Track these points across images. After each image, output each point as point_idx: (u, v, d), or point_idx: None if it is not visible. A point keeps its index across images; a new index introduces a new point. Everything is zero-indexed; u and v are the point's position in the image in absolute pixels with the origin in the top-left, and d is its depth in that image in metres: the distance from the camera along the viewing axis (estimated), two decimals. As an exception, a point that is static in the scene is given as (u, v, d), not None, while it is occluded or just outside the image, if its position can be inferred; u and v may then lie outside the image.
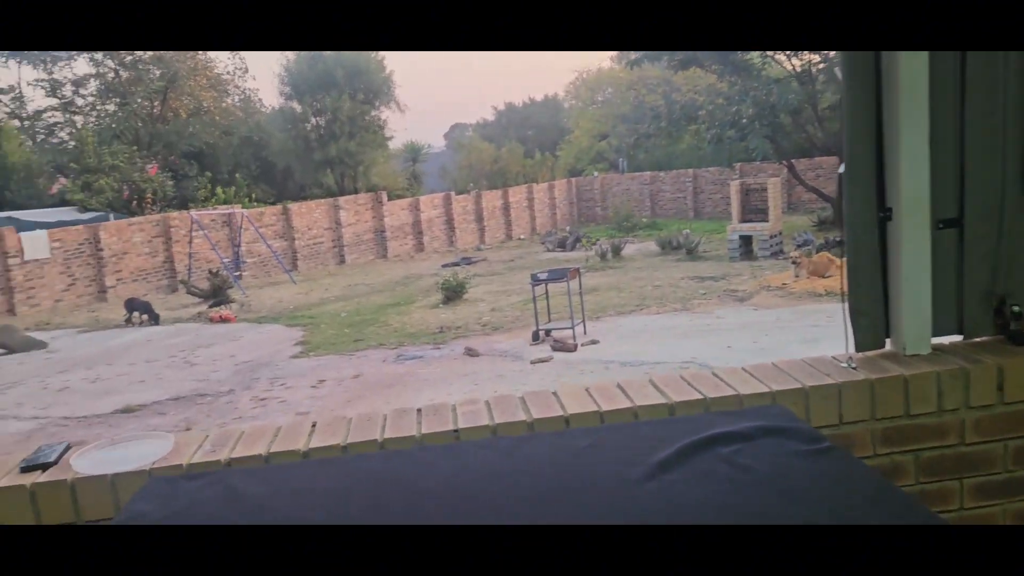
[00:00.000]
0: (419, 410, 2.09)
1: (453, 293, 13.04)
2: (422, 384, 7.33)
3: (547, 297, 9.67)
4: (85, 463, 1.86)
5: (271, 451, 1.89)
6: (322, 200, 24.16)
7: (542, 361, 7.90)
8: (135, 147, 22.64)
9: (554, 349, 8.39)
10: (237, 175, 25.42)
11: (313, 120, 26.72)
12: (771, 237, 15.22)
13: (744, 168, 24.80)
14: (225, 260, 18.38)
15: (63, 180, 22.34)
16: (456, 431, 1.93)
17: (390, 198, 25.39)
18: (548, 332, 9.05)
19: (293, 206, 22.84)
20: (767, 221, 15.40)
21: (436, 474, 1.55)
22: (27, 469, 1.88)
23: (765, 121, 16.15)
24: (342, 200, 23.97)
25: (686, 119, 18.54)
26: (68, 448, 1.99)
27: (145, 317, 13.51)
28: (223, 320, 13.10)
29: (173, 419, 6.85)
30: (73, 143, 22.98)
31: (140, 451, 1.93)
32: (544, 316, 9.47)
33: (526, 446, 1.67)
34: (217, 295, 15.46)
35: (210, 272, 16.43)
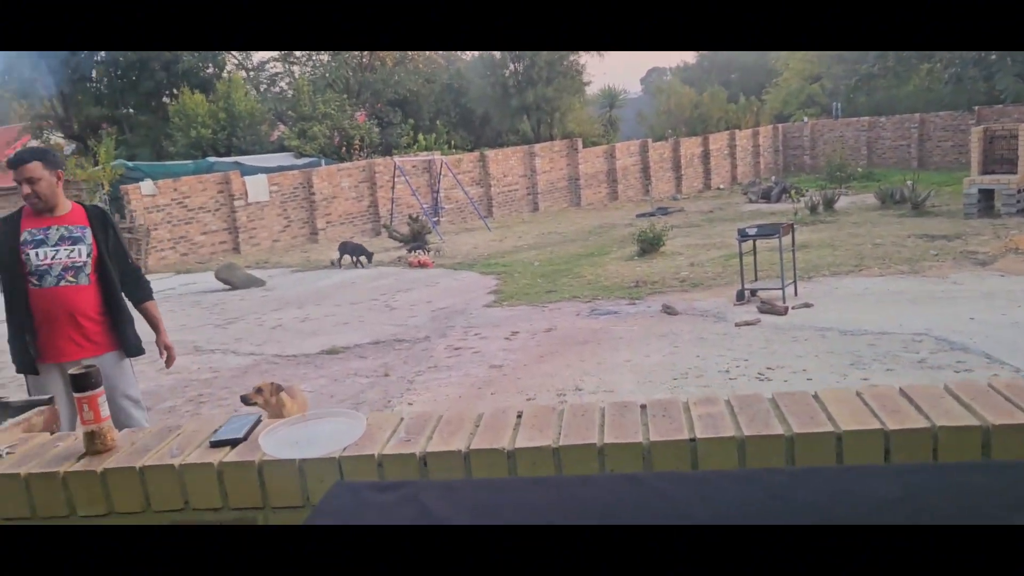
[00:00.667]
0: (643, 406, 1.74)
1: (649, 245, 12.52)
2: (617, 343, 6.99)
3: (754, 253, 8.95)
4: (273, 442, 1.68)
5: (471, 447, 1.62)
6: (518, 147, 24.20)
7: (748, 324, 7.30)
8: (345, 95, 23.68)
9: (761, 311, 7.74)
10: (438, 122, 26.01)
11: (511, 66, 26.68)
12: (1019, 191, 13.31)
13: (984, 113, 21.93)
14: (424, 206, 18.88)
15: (282, 127, 23.90)
16: (693, 440, 1.56)
17: (585, 145, 24.98)
18: (754, 292, 8.38)
19: (490, 153, 23.04)
20: (1015, 173, 13.46)
21: (689, 519, 1.16)
22: (216, 444, 1.74)
23: (1019, 57, 14.00)
24: (537, 147, 23.87)
25: (919, 56, 16.54)
26: (258, 422, 1.83)
27: (362, 259, 13.96)
28: (421, 265, 13.42)
29: (372, 363, 7.00)
30: (291, 92, 24.44)
31: (331, 432, 1.74)
32: (750, 274, 8.79)
33: (803, 489, 1.24)
34: (416, 240, 15.90)
35: (410, 217, 16.92)
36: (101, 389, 1.76)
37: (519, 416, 1.75)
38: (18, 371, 3.54)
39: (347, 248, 14.33)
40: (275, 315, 9.89)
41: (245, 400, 4.05)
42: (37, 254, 3.44)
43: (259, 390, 4.05)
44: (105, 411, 1.76)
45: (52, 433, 3.09)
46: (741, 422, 1.61)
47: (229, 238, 17.74)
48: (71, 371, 1.74)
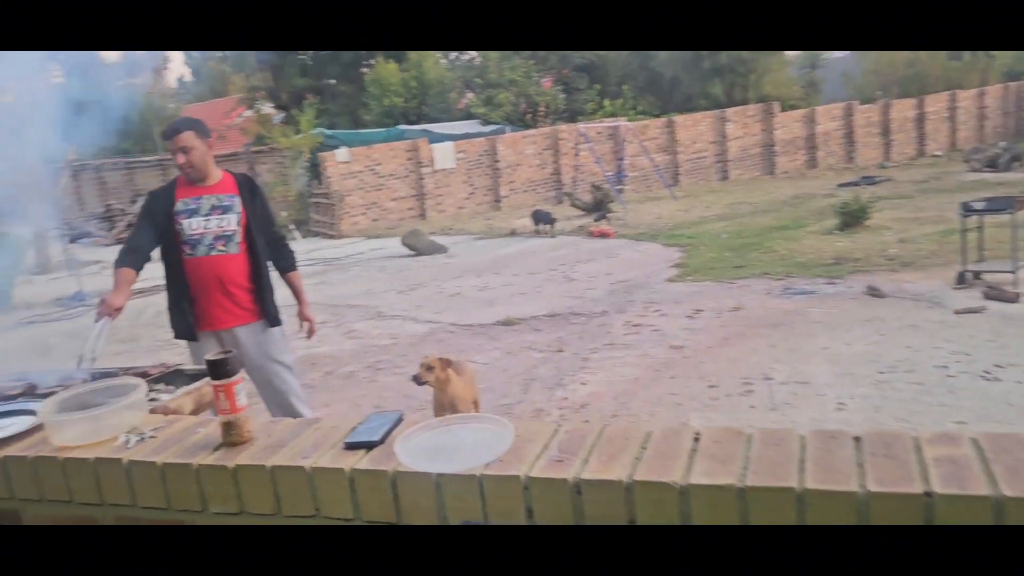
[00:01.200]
0: (857, 439, 1.37)
1: (852, 218, 11.45)
2: (813, 327, 6.37)
3: (980, 230, 7.87)
4: (410, 450, 1.49)
5: (635, 476, 1.33)
6: (708, 112, 23.11)
7: (970, 311, 6.41)
8: (532, 61, 23.63)
9: (987, 297, 6.78)
10: (624, 87, 25.36)
11: (704, 27, 25.43)
12: None
13: None
14: (608, 174, 18.49)
15: (470, 95, 24.27)
16: (928, 495, 1.19)
17: (783, 109, 23.43)
18: (978, 275, 7.37)
19: (678, 118, 22.18)
20: None
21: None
22: (352, 446, 1.57)
23: None
24: (729, 112, 22.68)
25: None
26: (399, 421, 1.65)
27: (548, 227, 13.91)
28: (602, 235, 13.13)
29: (547, 337, 6.83)
30: (479, 59, 24.74)
31: (474, 443, 1.51)
32: (973, 254, 7.74)
33: None
34: (599, 208, 15.59)
35: (592, 185, 16.62)
36: (239, 377, 1.64)
37: (696, 439, 1.44)
38: (176, 337, 3.65)
39: (539, 216, 14.26)
40: (455, 283, 10.00)
41: (417, 380, 3.96)
42: (190, 224, 3.50)
43: (429, 368, 3.95)
44: (242, 400, 1.64)
45: (222, 403, 3.14)
46: (997, 473, 1.21)
47: (416, 204, 18.29)
48: (207, 357, 1.63)
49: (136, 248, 3.49)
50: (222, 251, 3.52)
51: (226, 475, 1.56)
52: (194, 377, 3.03)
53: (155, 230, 3.53)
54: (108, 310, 3.28)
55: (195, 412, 2.86)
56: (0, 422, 1.94)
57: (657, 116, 23.53)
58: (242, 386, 1.65)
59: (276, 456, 1.56)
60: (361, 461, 1.49)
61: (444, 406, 4.07)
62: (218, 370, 1.61)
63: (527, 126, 21.57)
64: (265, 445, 1.62)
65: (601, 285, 9.09)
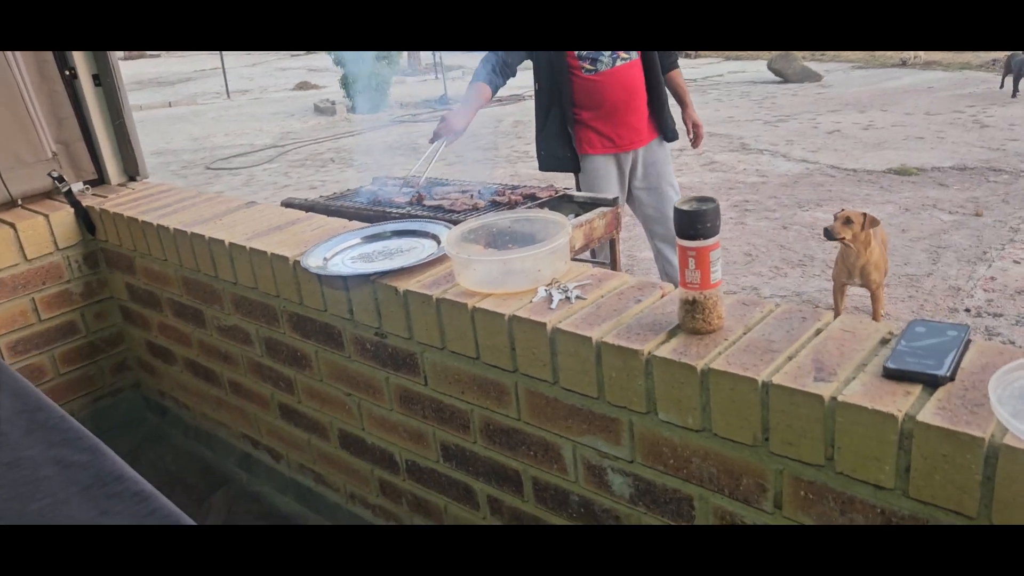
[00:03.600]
0: None
1: None
2: None
3: None
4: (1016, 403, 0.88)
5: None
6: None
7: None
8: None
9: None
10: None
11: None
12: None
13: None
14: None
15: None
16: None
17: None
18: None
19: None
20: None
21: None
22: (895, 375, 1.00)
23: None
24: None
25: None
26: (966, 345, 1.04)
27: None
28: (1024, 73, 10.58)
29: (958, 195, 5.58)
30: None
31: None
32: None
33: None
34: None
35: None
36: (717, 240, 1.12)
37: None
38: (547, 170, 3.22)
39: (1012, 66, 9.11)
40: (832, 117, 8.69)
41: (829, 234, 3.25)
42: None
43: (848, 221, 3.21)
44: (717, 274, 1.13)
45: (612, 241, 2.73)
46: None
47: (784, 24, 16.31)
48: (677, 206, 1.12)
49: (500, 62, 3.03)
50: (625, 59, 3.00)
51: (689, 378, 1.09)
52: (582, 205, 2.64)
53: None
54: (447, 131, 2.92)
55: (584, 249, 2.48)
56: (400, 243, 1.66)
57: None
58: (719, 253, 1.14)
59: (767, 367, 1.04)
60: (925, 409, 0.92)
61: (852, 273, 3.35)
62: (690, 225, 1.10)
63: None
64: (747, 342, 1.12)
65: (1028, 136, 7.30)
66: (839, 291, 3.50)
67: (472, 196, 2.54)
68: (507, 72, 3.08)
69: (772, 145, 7.55)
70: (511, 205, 2.46)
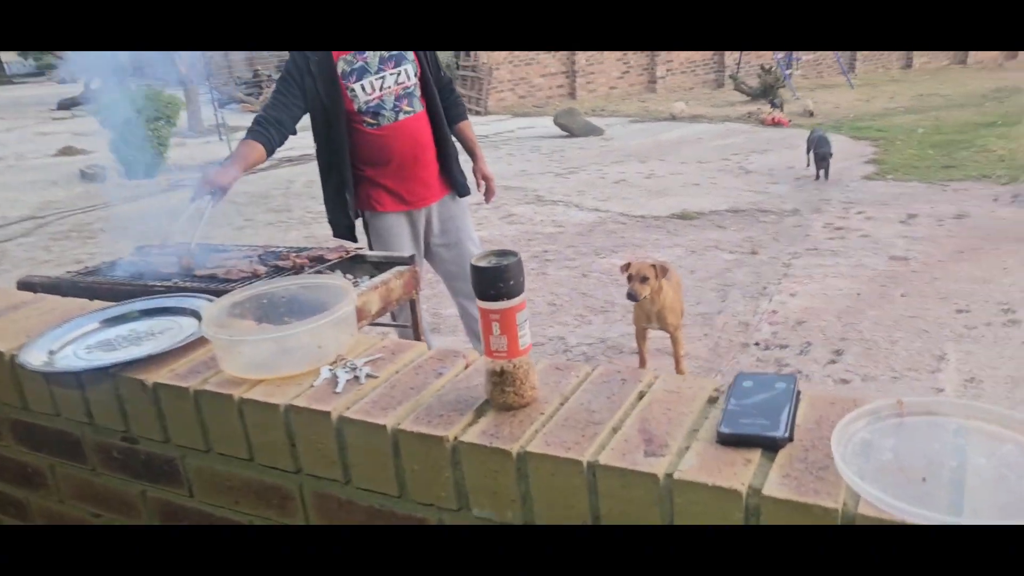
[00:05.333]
0: None
1: (1086, 117, 9.70)
2: (1073, 245, 5.22)
3: None
4: (874, 471, 0.79)
5: None
6: (896, -10, 20.44)
7: None
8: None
9: None
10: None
11: None
12: None
13: None
14: (778, 56, 16.72)
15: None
16: None
17: (985, -12, 20.42)
18: None
19: (860, -4, 19.71)
20: None
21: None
22: (730, 440, 0.88)
23: None
24: (922, -10, 19.96)
25: None
26: (797, 397, 0.95)
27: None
28: (775, 124, 11.80)
29: (735, 235, 5.97)
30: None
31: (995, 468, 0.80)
32: None
33: None
34: (767, 94, 14.14)
35: (761, 68, 15.04)
36: (523, 298, 0.97)
37: None
38: (336, 235, 2.99)
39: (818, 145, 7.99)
40: (617, 168, 9.14)
41: (634, 296, 3.23)
42: (363, 87, 2.78)
43: (644, 279, 3.22)
44: (526, 337, 0.98)
45: (413, 302, 2.55)
46: None
47: (567, 82, 17.21)
48: (475, 263, 0.96)
49: (273, 120, 2.74)
50: (408, 112, 2.86)
51: (504, 465, 0.92)
52: (377, 265, 2.45)
53: (303, 99, 2.79)
54: (208, 187, 2.52)
55: (382, 312, 2.28)
56: (150, 324, 1.38)
57: (835, -7, 21.05)
58: (526, 313, 0.99)
59: (591, 444, 0.90)
60: (769, 480, 0.81)
61: (650, 317, 3.38)
62: (494, 285, 0.95)
63: (688, 0, 19.74)
64: (566, 415, 0.97)
65: (784, 179, 8.03)
66: (641, 336, 3.54)
67: (252, 262, 2.28)
68: (282, 129, 2.77)
69: (565, 196, 7.77)
70: (296, 270, 2.22)
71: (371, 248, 2.95)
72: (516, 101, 16.59)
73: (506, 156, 10.51)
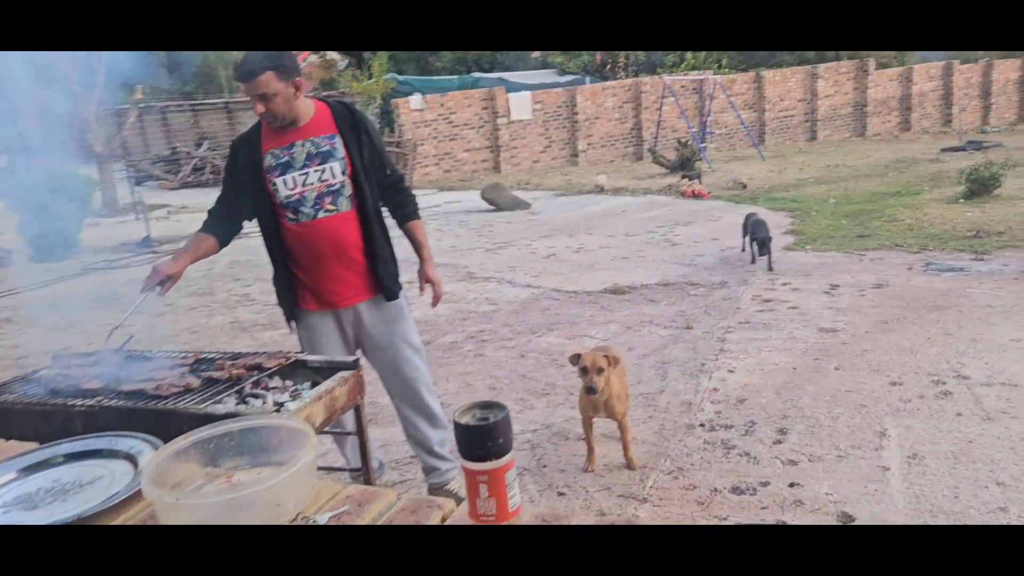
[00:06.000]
0: None
1: (980, 186, 10.32)
2: (987, 313, 5.44)
3: None
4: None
5: None
6: (798, 68, 21.70)
7: None
8: (611, 9, 22.41)
9: None
10: (707, 39, 23.99)
11: (796, -25, 23.86)
12: None
13: None
14: (692, 130, 17.39)
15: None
16: None
17: (878, 67, 21.89)
18: None
19: (767, 74, 20.84)
20: None
21: None
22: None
23: None
24: (821, 68, 21.27)
25: None
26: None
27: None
28: (695, 196, 12.17)
29: (667, 310, 6.02)
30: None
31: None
32: None
33: None
34: (684, 167, 14.64)
35: (678, 142, 15.60)
36: (512, 457, 0.89)
37: None
38: (289, 320, 2.97)
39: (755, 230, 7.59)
40: (546, 242, 9.21)
41: (591, 390, 3.17)
42: (285, 182, 2.72)
43: (600, 371, 3.16)
44: (516, 498, 0.89)
45: (358, 408, 2.42)
46: None
47: (491, 156, 17.46)
48: (461, 421, 0.88)
49: (219, 213, 2.81)
50: (331, 211, 2.77)
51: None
52: (319, 371, 2.32)
53: (243, 190, 2.78)
54: (157, 278, 2.58)
55: (327, 423, 2.15)
56: (77, 472, 1.23)
57: (743, 70, 22.21)
58: (515, 472, 0.90)
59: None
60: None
61: (598, 407, 3.32)
62: (481, 444, 0.86)
63: (605, 78, 20.47)
64: (560, 584, 0.87)
65: (710, 251, 8.23)
66: (588, 425, 3.47)
67: (183, 374, 2.12)
68: (230, 222, 2.82)
69: (497, 272, 7.75)
70: (233, 381, 2.07)
71: (301, 345, 2.85)
72: (441, 175, 16.71)
73: (435, 232, 10.48)
